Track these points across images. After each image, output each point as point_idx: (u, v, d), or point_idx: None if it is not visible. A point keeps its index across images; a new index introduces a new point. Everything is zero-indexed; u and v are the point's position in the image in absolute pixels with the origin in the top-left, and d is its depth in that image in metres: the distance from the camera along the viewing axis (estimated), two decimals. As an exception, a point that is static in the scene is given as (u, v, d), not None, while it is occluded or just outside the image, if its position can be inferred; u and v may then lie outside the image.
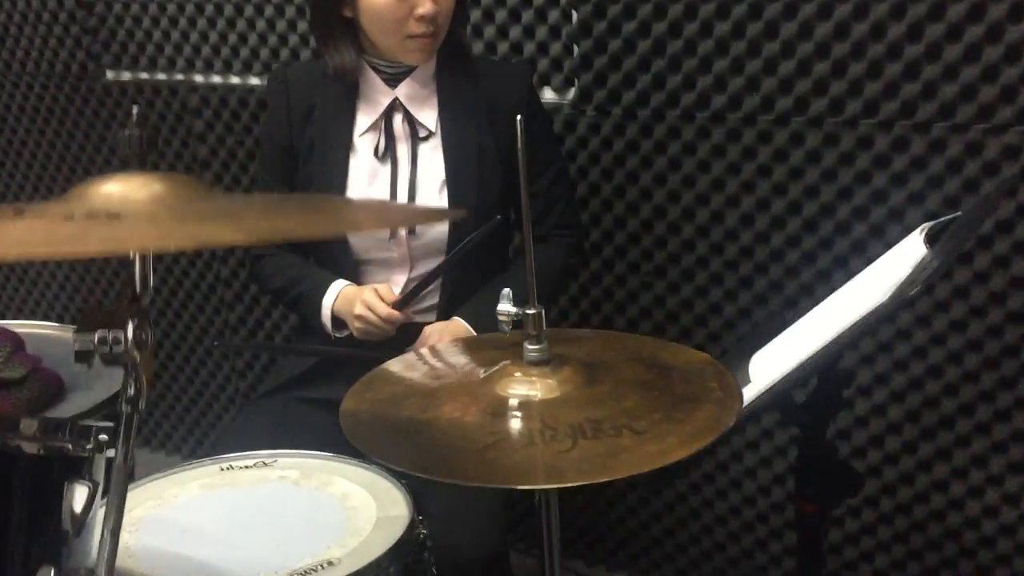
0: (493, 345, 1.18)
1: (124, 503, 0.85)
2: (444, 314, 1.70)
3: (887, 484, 1.89)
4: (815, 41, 1.75)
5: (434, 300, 1.71)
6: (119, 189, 0.72)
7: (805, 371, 1.19)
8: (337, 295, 1.66)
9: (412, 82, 1.68)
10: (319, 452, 1.45)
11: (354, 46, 1.65)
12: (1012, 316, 1.71)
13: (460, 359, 1.22)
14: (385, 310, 1.58)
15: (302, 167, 1.71)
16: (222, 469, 1.46)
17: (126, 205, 0.67)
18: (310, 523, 1.31)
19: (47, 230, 0.61)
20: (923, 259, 1.25)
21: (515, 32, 2.02)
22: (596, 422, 0.98)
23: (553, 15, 1.98)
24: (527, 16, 2.00)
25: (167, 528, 1.31)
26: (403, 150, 1.68)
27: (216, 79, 2.41)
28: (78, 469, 0.97)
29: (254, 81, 2.36)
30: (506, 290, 1.09)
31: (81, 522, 0.97)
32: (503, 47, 2.04)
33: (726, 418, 1.00)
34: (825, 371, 1.28)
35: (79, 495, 0.97)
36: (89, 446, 0.97)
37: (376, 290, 1.61)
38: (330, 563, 1.22)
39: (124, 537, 1.27)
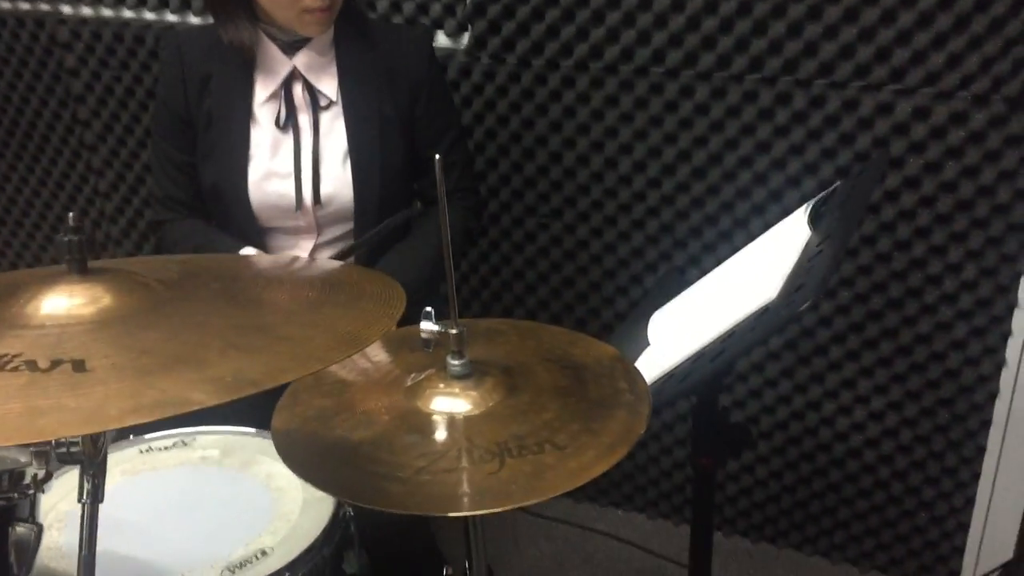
0: (414, 345, 1.22)
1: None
2: (362, 263, 1.72)
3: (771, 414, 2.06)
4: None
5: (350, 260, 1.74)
6: (64, 305, 0.72)
7: (693, 372, 1.27)
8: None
9: (310, 51, 1.65)
10: (240, 428, 1.48)
11: (249, 18, 1.61)
12: (880, 257, 1.85)
13: (383, 357, 1.26)
14: None
15: (202, 136, 1.68)
16: (141, 452, 1.48)
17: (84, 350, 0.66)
18: (237, 509, 1.34)
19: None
20: (808, 241, 1.34)
21: (405, -25, 1.99)
22: (520, 438, 1.05)
23: (444, -42, 1.96)
24: (417, -42, 1.98)
25: (100, 525, 1.34)
26: (304, 119, 1.67)
27: (87, 11, 2.29)
28: (21, 513, 0.99)
29: (128, 14, 2.25)
30: (427, 309, 1.13)
31: (30, 562, 1.00)
32: (394, -11, 2.01)
33: (637, 426, 1.08)
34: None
35: (24, 538, 0.99)
36: (30, 490, 0.99)
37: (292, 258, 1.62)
38: (263, 552, 1.27)
39: (52, 535, 1.31)
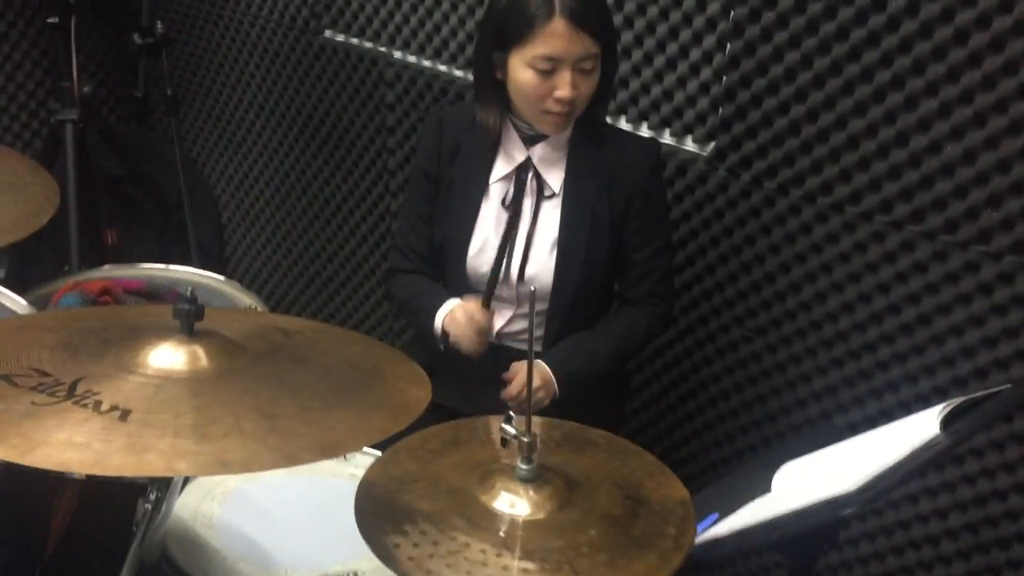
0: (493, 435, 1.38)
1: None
2: (550, 345, 1.89)
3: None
4: (941, 159, 1.75)
5: (539, 332, 1.90)
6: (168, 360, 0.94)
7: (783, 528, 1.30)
8: (449, 311, 1.88)
9: (546, 146, 1.83)
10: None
11: (500, 105, 1.81)
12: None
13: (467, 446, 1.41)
14: (475, 313, 1.81)
15: (442, 197, 1.91)
16: (312, 454, 1.75)
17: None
18: (355, 529, 1.56)
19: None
20: (933, 439, 1.32)
21: (669, 80, 2.11)
22: (547, 552, 1.16)
23: (706, 72, 2.05)
24: (682, 67, 2.08)
25: (248, 505, 1.60)
26: (528, 204, 1.85)
27: (411, 59, 2.63)
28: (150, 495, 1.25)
29: (441, 68, 2.56)
30: (510, 412, 1.26)
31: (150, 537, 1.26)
32: (656, 91, 2.13)
33: (660, 574, 1.15)
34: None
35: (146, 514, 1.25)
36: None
37: (467, 306, 1.84)
38: (355, 574, 1.49)
39: (213, 506, 1.61)
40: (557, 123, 1.77)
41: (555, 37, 1.68)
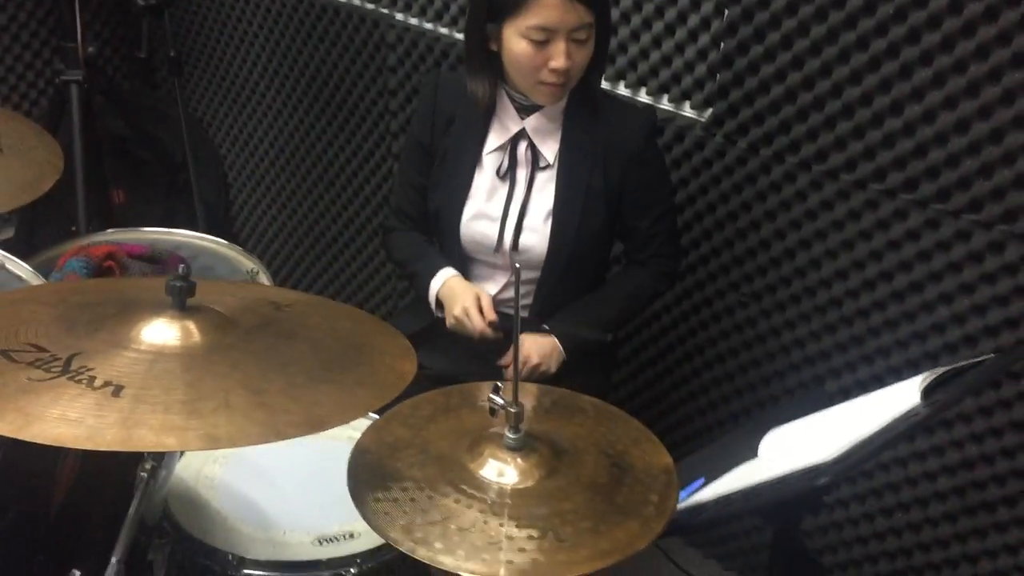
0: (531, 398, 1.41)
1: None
2: (537, 311, 1.91)
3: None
4: (935, 128, 1.76)
5: (528, 301, 1.93)
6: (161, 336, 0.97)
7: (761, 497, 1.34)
8: (443, 283, 1.90)
9: (541, 116, 1.84)
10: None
11: (493, 77, 1.82)
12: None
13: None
14: (480, 325, 1.82)
15: (436, 167, 1.93)
16: (312, 417, 1.79)
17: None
18: (355, 491, 1.61)
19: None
20: (912, 409, 1.35)
21: (667, 46, 2.11)
22: (533, 518, 1.20)
23: (703, 39, 2.05)
24: (680, 34, 2.08)
25: (248, 467, 1.65)
26: (522, 174, 1.87)
27: (412, 22, 2.63)
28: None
29: (443, 31, 2.56)
30: (496, 383, 1.29)
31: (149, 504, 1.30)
32: (655, 56, 2.14)
33: (640, 541, 1.19)
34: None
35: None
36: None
37: (479, 298, 1.84)
38: (351, 535, 1.54)
39: (215, 468, 1.65)
40: (552, 93, 1.78)
41: (549, 7, 1.68)
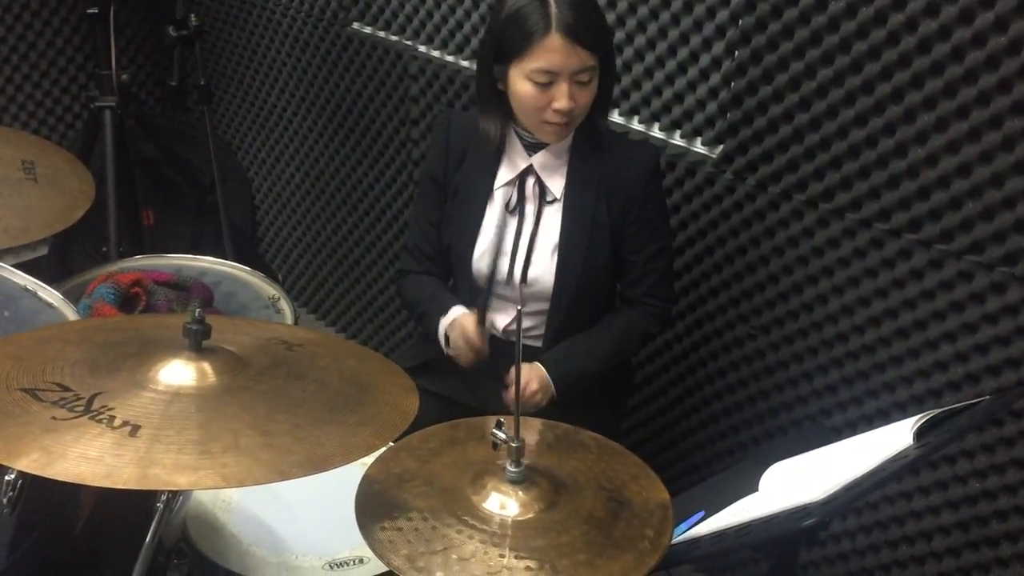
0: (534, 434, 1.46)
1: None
2: (550, 342, 1.98)
3: None
4: (938, 171, 1.80)
5: (540, 331, 1.99)
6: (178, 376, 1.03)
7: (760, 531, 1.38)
8: (452, 320, 1.96)
9: (547, 153, 1.90)
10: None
11: (502, 116, 1.88)
12: None
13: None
14: (467, 359, 1.90)
15: (448, 203, 1.99)
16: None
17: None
18: (367, 517, 1.67)
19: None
20: (903, 451, 1.38)
21: (680, 84, 2.16)
22: (530, 551, 1.25)
23: (714, 78, 2.10)
24: (692, 72, 2.14)
25: (264, 490, 1.69)
26: (530, 209, 1.93)
27: (434, 54, 2.70)
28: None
29: (463, 63, 2.63)
30: (500, 419, 1.35)
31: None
32: (668, 94, 2.19)
33: (635, 574, 1.24)
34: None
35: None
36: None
37: (463, 325, 1.91)
38: (360, 560, 1.59)
39: (231, 492, 1.71)
40: (556, 132, 1.84)
41: (552, 51, 1.74)
